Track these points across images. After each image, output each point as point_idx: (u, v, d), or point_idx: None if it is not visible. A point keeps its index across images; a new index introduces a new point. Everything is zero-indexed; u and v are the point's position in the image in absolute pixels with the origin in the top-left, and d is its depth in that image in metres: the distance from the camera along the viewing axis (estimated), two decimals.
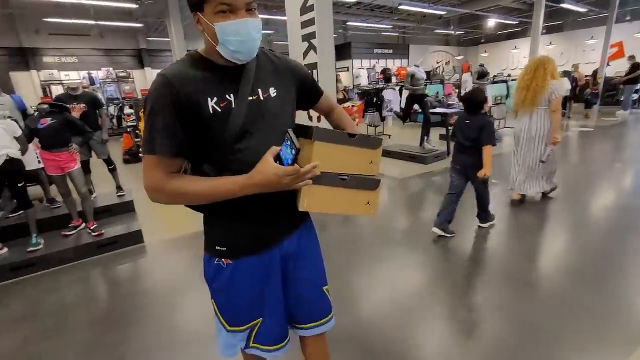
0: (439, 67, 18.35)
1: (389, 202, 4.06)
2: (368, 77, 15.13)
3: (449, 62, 18.76)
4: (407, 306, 2.08)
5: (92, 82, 12.06)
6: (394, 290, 2.27)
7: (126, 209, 3.58)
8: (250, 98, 0.83)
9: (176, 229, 3.41)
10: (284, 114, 0.90)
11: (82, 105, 3.38)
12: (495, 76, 10.11)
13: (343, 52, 15.45)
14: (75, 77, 11.96)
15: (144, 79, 13.10)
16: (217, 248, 0.91)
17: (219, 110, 0.79)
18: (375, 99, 7.72)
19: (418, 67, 5.55)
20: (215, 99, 0.79)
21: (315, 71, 3.48)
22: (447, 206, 2.86)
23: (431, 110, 5.70)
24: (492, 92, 7.73)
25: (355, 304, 2.14)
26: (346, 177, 0.85)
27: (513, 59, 17.01)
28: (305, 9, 3.40)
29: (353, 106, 6.94)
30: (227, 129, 0.79)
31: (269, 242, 0.94)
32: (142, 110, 1.03)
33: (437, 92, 6.76)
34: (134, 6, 8.09)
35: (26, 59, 11.07)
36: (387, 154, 6.16)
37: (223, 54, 0.78)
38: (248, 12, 0.76)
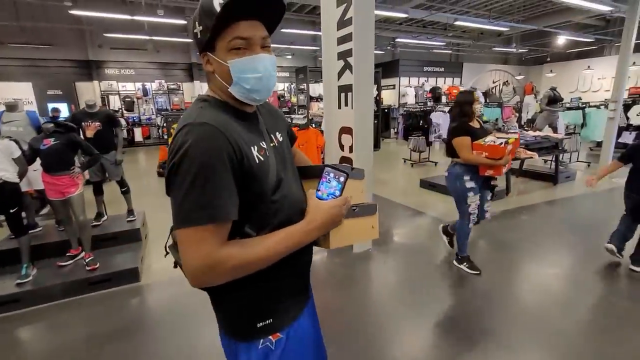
0: (495, 87, 16.95)
1: (417, 261, 3.31)
2: (415, 95, 14.32)
3: (507, 81, 17.29)
4: None
5: (145, 93, 12.75)
6: None
7: (133, 237, 3.27)
8: (272, 144, 0.82)
9: None
10: (292, 158, 0.90)
11: (97, 124, 3.17)
12: (563, 102, 8.82)
13: (390, 69, 14.82)
14: (131, 88, 12.75)
15: (192, 91, 13.57)
16: (260, 325, 0.79)
17: (262, 159, 0.74)
18: (421, 122, 6.99)
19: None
20: (256, 147, 0.74)
21: (349, 94, 2.95)
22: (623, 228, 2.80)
23: None
24: (564, 120, 6.64)
25: None
26: (355, 208, 0.87)
27: (584, 80, 15.16)
28: (343, 23, 2.91)
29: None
30: (268, 180, 0.74)
31: (307, 287, 0.92)
32: (172, 165, 0.58)
33: (496, 118, 5.83)
34: (182, 22, 8.29)
35: (90, 70, 11.97)
36: (430, 186, 5.40)
37: (237, 94, 0.74)
38: (263, 48, 0.73)
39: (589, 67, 14.52)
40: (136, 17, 7.33)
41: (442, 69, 15.74)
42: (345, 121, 3.13)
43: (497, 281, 2.71)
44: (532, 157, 4.79)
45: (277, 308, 0.81)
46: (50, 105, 11.47)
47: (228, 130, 0.68)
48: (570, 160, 6.81)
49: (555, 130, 5.98)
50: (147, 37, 9.59)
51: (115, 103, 12.41)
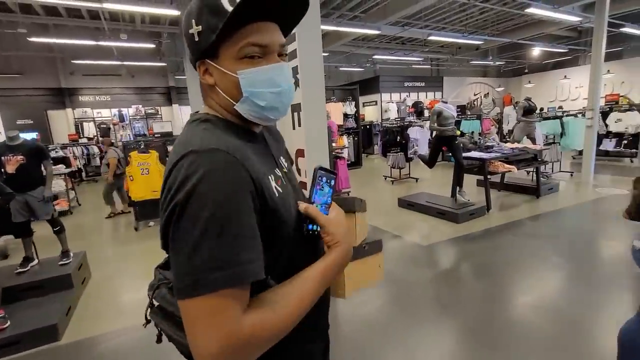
0: (477, 99, 17.11)
1: (398, 294, 2.96)
2: (398, 110, 14.29)
3: (487, 94, 17.49)
4: None
5: (122, 119, 12.42)
6: None
7: (62, 284, 2.85)
8: (283, 170, 0.68)
9: (127, 316, 2.62)
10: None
11: (20, 157, 2.82)
12: (542, 110, 8.77)
13: (370, 85, 14.86)
14: (106, 115, 12.44)
15: (171, 115, 13.30)
16: None
17: (281, 191, 0.59)
18: (398, 138, 6.78)
19: (446, 102, 4.60)
20: (273, 177, 0.59)
21: (298, 113, 2.68)
22: None
23: (464, 155, 4.64)
24: (542, 130, 6.50)
25: None
26: (365, 246, 0.81)
27: (562, 89, 15.41)
28: (289, 38, 2.67)
29: None
30: (289, 216, 0.59)
31: (327, 348, 0.77)
32: (173, 207, 0.43)
33: (472, 132, 5.62)
34: (151, 46, 8.10)
35: (63, 98, 11.65)
36: (410, 205, 5.11)
37: (246, 113, 0.59)
38: (280, 56, 0.60)
39: (565, 76, 14.78)
40: (101, 42, 7.09)
41: (423, 84, 15.86)
42: (299, 143, 2.85)
43: (479, 317, 2.37)
44: (510, 171, 4.57)
45: None
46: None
47: (245, 158, 0.53)
48: (552, 171, 6.63)
49: (533, 141, 5.81)
50: (118, 63, 9.37)
51: (90, 130, 12.04)
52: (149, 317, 0.63)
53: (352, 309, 2.58)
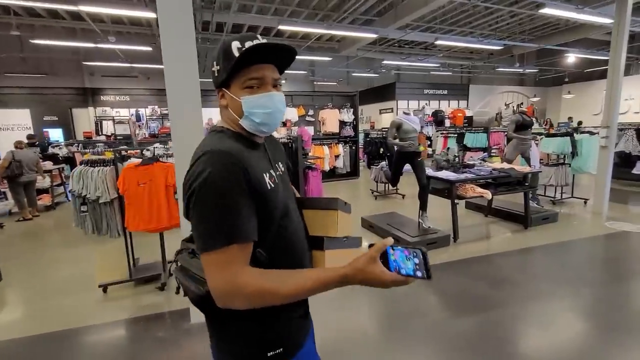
0: (507, 109, 15.72)
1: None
2: None
3: (521, 104, 16.00)
4: None
5: (138, 118, 12.96)
6: None
7: None
8: (277, 172, 0.87)
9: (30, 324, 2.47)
10: (292, 188, 0.97)
11: None
12: (580, 124, 7.64)
13: (387, 92, 14.21)
14: (124, 114, 13.05)
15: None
16: (270, 354, 0.81)
17: (273, 185, 0.80)
18: (382, 150, 6.22)
19: (408, 114, 4.02)
20: (267, 175, 0.80)
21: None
22: None
23: (432, 174, 4.03)
24: (549, 149, 5.61)
25: None
26: (346, 239, 0.94)
27: None
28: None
29: None
30: (278, 205, 0.80)
31: (308, 310, 0.96)
32: (192, 191, 0.62)
33: (448, 148, 4.83)
34: (148, 48, 8.26)
35: (86, 97, 12.40)
36: (370, 226, 4.57)
37: (247, 127, 0.82)
38: (274, 87, 0.82)
39: None
40: (100, 45, 7.32)
41: (445, 92, 14.85)
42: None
43: None
44: (482, 196, 3.90)
45: (288, 335, 0.84)
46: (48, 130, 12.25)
47: (244, 158, 0.74)
48: (561, 197, 5.68)
49: (528, 161, 4.97)
50: (128, 65, 9.72)
51: (108, 128, 12.70)
52: (172, 273, 0.99)
53: None
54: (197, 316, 2.50)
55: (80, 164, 2.78)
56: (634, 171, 6.82)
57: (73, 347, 2.36)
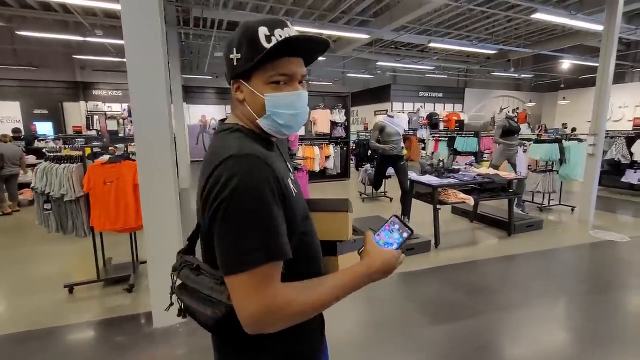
0: (501, 114, 15.72)
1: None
2: (409, 122, 13.41)
3: (517, 109, 16.01)
4: None
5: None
6: None
7: None
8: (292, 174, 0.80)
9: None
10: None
11: None
12: (574, 131, 7.62)
13: (382, 93, 14.16)
14: (117, 109, 12.91)
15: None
16: None
17: (295, 191, 0.72)
18: (370, 152, 6.15)
19: (392, 117, 3.96)
20: (290, 179, 0.73)
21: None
22: None
23: (415, 178, 3.96)
24: (537, 155, 5.56)
25: None
26: (354, 240, 0.89)
27: None
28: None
29: None
30: (300, 211, 0.73)
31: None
32: (220, 202, 0.59)
33: (433, 152, 4.78)
34: None
35: (77, 91, 12.25)
36: (353, 231, 4.49)
37: (266, 127, 0.73)
38: (300, 84, 0.73)
39: None
40: (89, 39, 7.20)
41: (440, 95, 14.83)
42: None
43: None
44: (464, 202, 3.84)
45: (311, 350, 0.80)
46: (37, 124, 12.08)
47: (272, 162, 0.66)
48: (549, 204, 5.64)
49: (514, 167, 4.92)
50: (118, 60, 9.60)
51: (100, 123, 12.56)
52: (172, 300, 0.76)
53: None
54: (161, 320, 2.42)
55: (45, 160, 2.70)
56: (624, 179, 6.80)
57: (27, 351, 2.27)
